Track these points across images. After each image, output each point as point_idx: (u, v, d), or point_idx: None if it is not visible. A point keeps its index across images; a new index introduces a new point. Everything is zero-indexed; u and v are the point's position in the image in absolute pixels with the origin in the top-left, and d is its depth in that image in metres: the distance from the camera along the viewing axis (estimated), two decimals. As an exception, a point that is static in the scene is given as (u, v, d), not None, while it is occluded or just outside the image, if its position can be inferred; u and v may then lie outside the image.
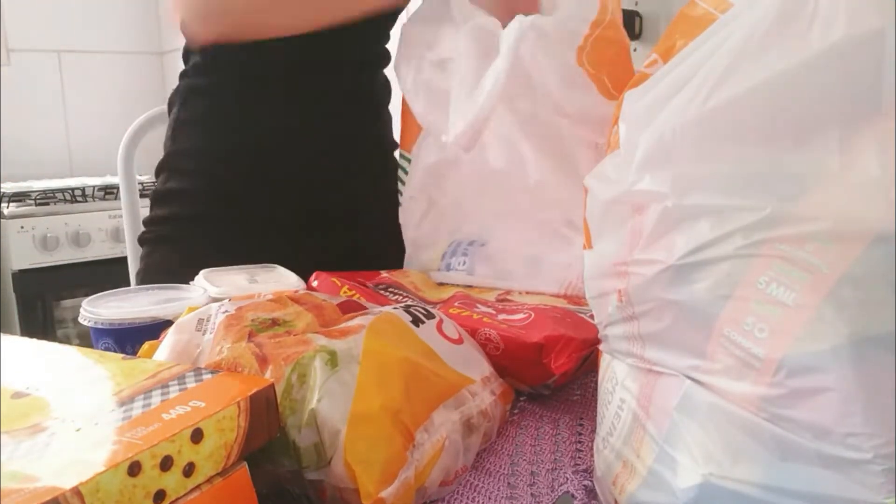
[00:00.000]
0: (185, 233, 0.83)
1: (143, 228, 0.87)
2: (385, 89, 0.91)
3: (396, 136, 0.83)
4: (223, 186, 0.82)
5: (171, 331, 0.43)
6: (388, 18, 0.86)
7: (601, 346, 0.39)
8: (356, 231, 0.86)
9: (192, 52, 0.83)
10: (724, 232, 0.31)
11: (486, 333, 0.53)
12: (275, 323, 0.42)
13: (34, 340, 0.44)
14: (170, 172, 0.84)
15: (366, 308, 0.47)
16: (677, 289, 0.33)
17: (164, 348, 0.42)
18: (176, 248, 0.83)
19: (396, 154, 0.86)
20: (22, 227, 1.94)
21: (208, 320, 0.43)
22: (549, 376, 0.51)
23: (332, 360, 0.37)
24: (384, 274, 0.68)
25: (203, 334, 0.42)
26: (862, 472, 0.27)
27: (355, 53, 0.83)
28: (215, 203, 0.82)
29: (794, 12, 0.31)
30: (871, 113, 0.28)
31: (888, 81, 0.28)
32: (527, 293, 0.66)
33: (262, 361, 0.38)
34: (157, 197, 0.85)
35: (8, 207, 1.96)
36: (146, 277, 0.85)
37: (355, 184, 0.86)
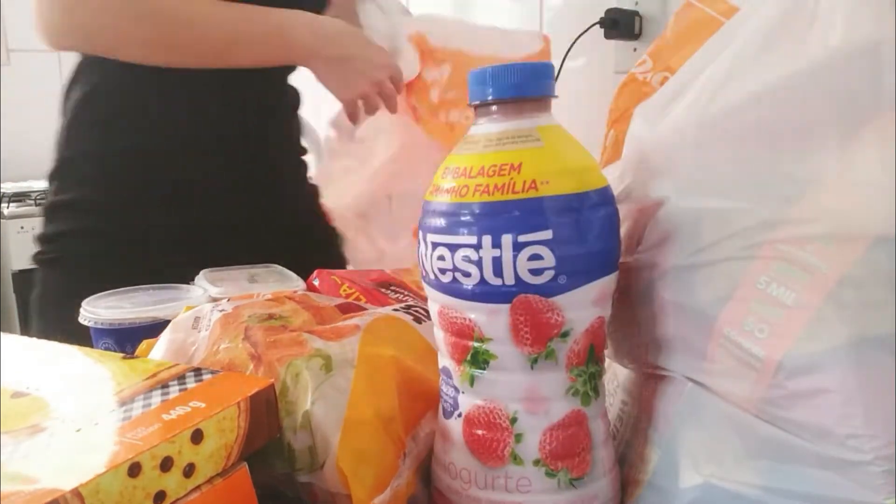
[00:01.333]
0: (78, 251, 0.77)
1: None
2: (295, 96, 0.89)
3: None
4: (119, 195, 0.77)
5: (167, 329, 0.43)
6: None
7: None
8: (266, 240, 0.82)
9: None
10: (724, 234, 0.31)
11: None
12: (271, 317, 0.42)
13: (34, 340, 0.44)
14: (61, 182, 0.78)
15: (364, 309, 0.47)
16: (678, 290, 0.33)
17: (161, 346, 0.42)
18: (69, 272, 0.77)
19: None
20: (22, 227, 1.94)
21: (204, 318, 0.43)
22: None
23: (327, 364, 0.37)
24: (386, 272, 0.68)
25: (199, 332, 0.42)
26: (862, 473, 0.27)
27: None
28: (111, 215, 0.76)
29: (795, 18, 0.31)
30: (871, 115, 0.28)
31: (888, 84, 0.28)
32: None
33: (257, 362, 0.38)
34: (49, 211, 0.79)
35: (8, 207, 1.96)
36: (42, 304, 0.78)
37: (261, 192, 0.83)
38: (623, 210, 0.34)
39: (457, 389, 0.35)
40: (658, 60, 0.40)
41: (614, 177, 0.36)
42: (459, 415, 0.35)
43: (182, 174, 0.78)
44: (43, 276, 0.79)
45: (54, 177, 0.79)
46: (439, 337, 0.35)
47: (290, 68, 0.85)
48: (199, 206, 0.79)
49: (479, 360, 0.33)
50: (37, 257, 0.79)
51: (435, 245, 0.33)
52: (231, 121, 0.80)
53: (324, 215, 0.90)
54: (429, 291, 0.35)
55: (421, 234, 0.34)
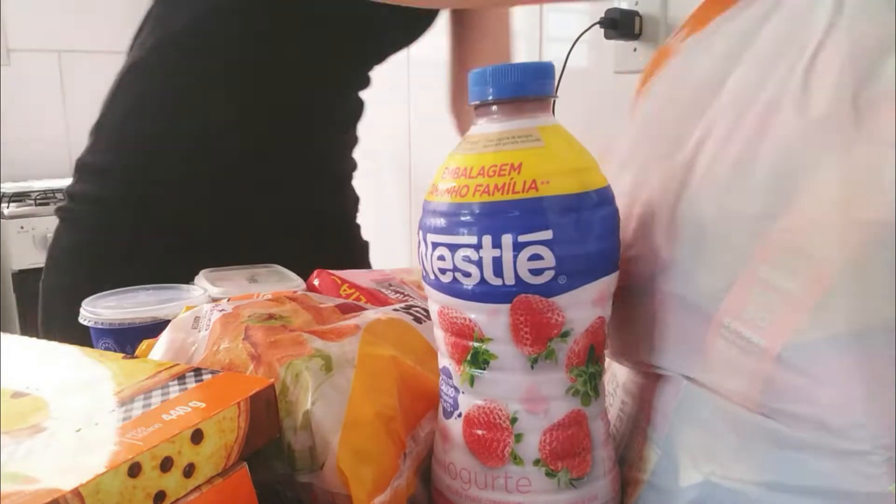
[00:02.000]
0: (92, 217, 0.76)
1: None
2: (359, 106, 0.88)
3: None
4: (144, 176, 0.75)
5: (167, 329, 0.43)
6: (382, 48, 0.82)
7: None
8: (297, 241, 0.81)
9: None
10: (727, 223, 0.31)
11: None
12: (271, 317, 0.42)
13: (34, 340, 0.44)
14: (94, 142, 0.77)
15: (365, 309, 0.47)
16: (677, 283, 0.33)
17: (160, 346, 0.42)
18: (79, 235, 0.76)
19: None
20: (22, 227, 1.94)
21: (204, 318, 0.43)
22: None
23: (327, 364, 0.37)
24: (387, 272, 0.68)
25: (199, 332, 0.42)
26: (862, 463, 0.27)
27: (339, 75, 0.79)
28: (128, 198, 0.75)
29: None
30: (871, 107, 0.28)
31: (888, 76, 0.28)
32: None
33: (257, 362, 0.38)
34: (76, 167, 0.78)
35: (8, 207, 1.96)
36: (51, 260, 0.78)
37: (300, 193, 0.82)
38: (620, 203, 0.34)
39: (457, 389, 0.35)
40: (687, 25, 0.40)
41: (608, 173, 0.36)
42: (459, 415, 0.35)
43: (217, 168, 0.76)
44: (57, 229, 0.79)
45: (91, 134, 0.79)
46: (439, 337, 0.35)
47: (365, 82, 0.84)
48: (233, 200, 0.77)
49: (479, 360, 0.33)
50: (57, 211, 0.79)
51: (435, 245, 0.33)
52: (288, 122, 0.79)
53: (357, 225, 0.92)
54: (429, 291, 0.35)
55: (421, 234, 0.34)
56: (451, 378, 0.35)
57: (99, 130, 0.78)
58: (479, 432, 0.34)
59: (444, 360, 0.35)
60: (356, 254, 0.92)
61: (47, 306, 0.77)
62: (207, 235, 0.76)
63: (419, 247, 0.35)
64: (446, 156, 0.34)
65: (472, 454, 0.34)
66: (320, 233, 0.85)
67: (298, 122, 0.79)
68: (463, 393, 0.34)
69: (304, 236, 0.82)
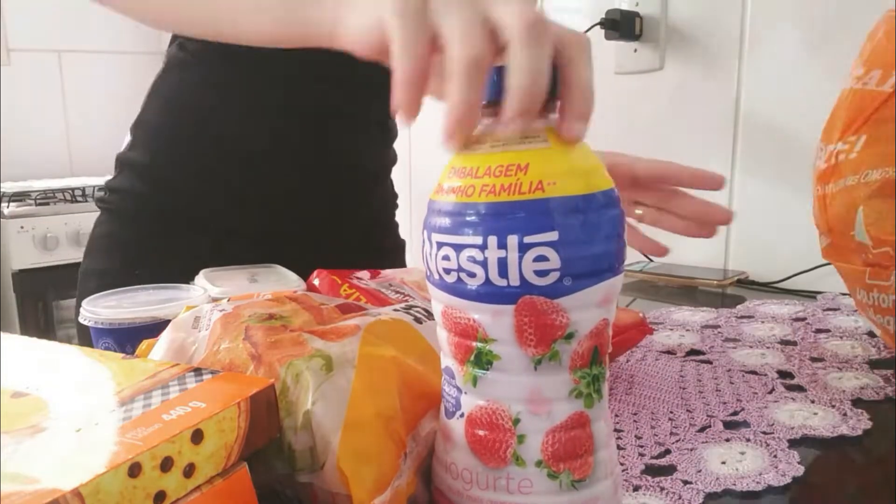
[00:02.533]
0: (128, 213, 0.79)
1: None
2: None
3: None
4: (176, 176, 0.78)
5: (167, 329, 0.43)
6: None
7: None
8: (331, 243, 0.82)
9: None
10: None
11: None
12: (271, 317, 0.42)
13: (34, 340, 0.44)
14: (133, 138, 0.80)
15: (365, 310, 0.47)
16: None
17: (161, 346, 0.42)
18: (116, 230, 0.80)
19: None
20: (22, 227, 1.94)
21: (204, 318, 0.43)
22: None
23: (328, 364, 0.37)
24: (387, 272, 0.68)
25: (199, 332, 0.42)
26: None
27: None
28: (162, 195, 0.78)
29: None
30: None
31: None
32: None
33: (257, 362, 0.38)
34: (116, 161, 0.81)
35: (8, 207, 1.96)
36: (89, 248, 0.82)
37: (332, 197, 0.82)
38: None
39: (459, 390, 0.34)
40: (882, 66, 0.40)
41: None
42: (462, 415, 0.34)
43: (248, 167, 0.78)
44: (97, 218, 0.83)
45: (131, 131, 0.81)
46: (442, 337, 0.35)
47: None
48: (263, 197, 0.78)
49: (483, 360, 0.33)
50: (97, 202, 0.83)
51: (440, 245, 0.33)
52: (325, 131, 0.80)
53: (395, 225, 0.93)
54: (433, 291, 0.35)
55: (426, 233, 0.34)
56: (453, 378, 0.35)
57: (136, 127, 0.81)
58: (482, 433, 0.34)
59: (447, 361, 0.35)
60: (389, 254, 0.92)
61: (83, 290, 0.79)
62: (238, 231, 0.78)
63: (423, 246, 0.34)
64: (452, 155, 0.34)
65: (473, 454, 0.34)
66: (355, 231, 0.85)
67: (328, 122, 0.80)
68: (465, 393, 0.34)
69: (335, 235, 0.83)
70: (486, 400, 0.33)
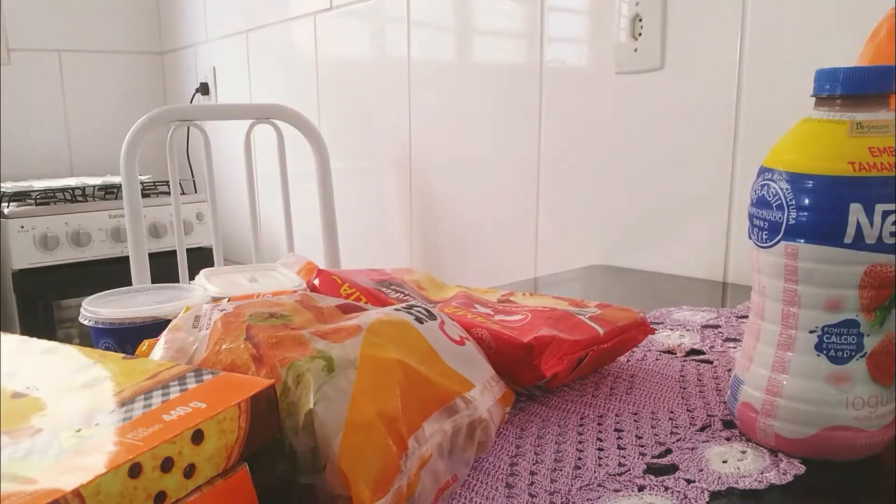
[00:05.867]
0: None
1: (143, 229, 0.86)
2: None
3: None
4: None
5: (167, 329, 0.43)
6: None
7: None
8: None
9: None
10: None
11: (478, 333, 0.52)
12: (272, 317, 0.42)
13: (34, 340, 0.44)
14: None
15: (366, 310, 0.47)
16: None
17: (161, 346, 0.42)
18: None
19: None
20: (22, 227, 1.94)
21: (204, 318, 0.43)
22: (541, 378, 0.51)
23: (329, 365, 0.37)
24: (387, 271, 0.68)
25: (199, 332, 0.42)
26: None
27: None
28: None
29: None
30: None
31: None
32: (530, 295, 0.66)
33: (259, 363, 0.37)
34: None
35: (8, 207, 1.96)
36: None
37: None
38: None
39: (861, 335, 0.41)
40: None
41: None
42: (863, 355, 0.41)
43: None
44: None
45: None
46: (851, 297, 0.41)
47: None
48: None
49: (892, 301, 0.41)
50: None
51: (886, 213, 0.39)
52: None
53: None
54: (865, 256, 0.40)
55: (862, 205, 0.39)
56: (855, 328, 0.41)
57: None
58: (882, 360, 0.41)
59: (848, 314, 0.41)
60: None
61: None
62: None
63: (852, 217, 0.39)
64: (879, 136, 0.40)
65: (875, 382, 0.42)
66: None
67: None
68: (869, 336, 0.41)
69: None
70: (887, 333, 0.41)
